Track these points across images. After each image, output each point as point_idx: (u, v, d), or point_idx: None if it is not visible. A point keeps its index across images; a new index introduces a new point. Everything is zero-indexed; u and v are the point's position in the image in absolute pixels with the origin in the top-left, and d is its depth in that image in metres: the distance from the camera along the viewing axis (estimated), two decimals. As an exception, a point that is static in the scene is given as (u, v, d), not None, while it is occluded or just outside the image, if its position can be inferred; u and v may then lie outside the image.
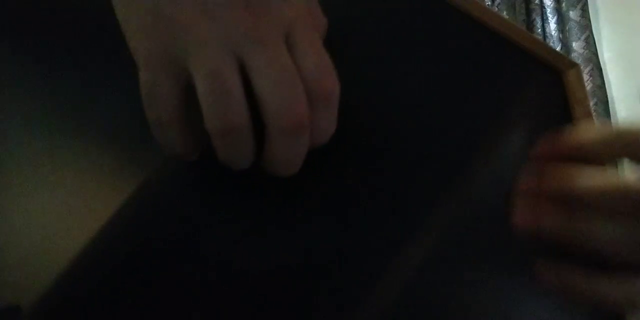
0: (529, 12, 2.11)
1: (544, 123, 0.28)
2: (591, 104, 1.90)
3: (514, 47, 0.28)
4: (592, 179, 0.23)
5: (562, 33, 2.01)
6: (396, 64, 0.29)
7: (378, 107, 0.28)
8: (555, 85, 0.28)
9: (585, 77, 1.93)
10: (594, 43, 1.96)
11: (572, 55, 1.97)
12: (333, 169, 0.27)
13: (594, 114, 1.89)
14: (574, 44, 1.97)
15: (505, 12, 2.13)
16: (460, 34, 0.29)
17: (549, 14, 2.05)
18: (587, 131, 0.24)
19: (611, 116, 1.90)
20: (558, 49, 2.01)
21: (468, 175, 0.26)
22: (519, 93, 0.28)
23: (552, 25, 2.03)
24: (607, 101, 1.91)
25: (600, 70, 1.93)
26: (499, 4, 2.14)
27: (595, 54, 1.94)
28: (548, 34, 2.04)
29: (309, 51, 0.24)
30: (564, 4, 2.02)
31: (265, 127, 0.24)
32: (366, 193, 0.26)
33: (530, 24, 2.10)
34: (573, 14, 1.99)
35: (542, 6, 2.08)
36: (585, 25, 1.97)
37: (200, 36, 0.23)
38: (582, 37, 1.96)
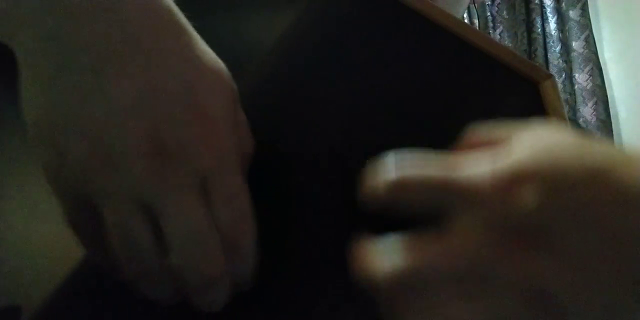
0: (528, 11, 2.11)
1: None
2: (591, 103, 1.90)
3: (489, 59, 0.29)
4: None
5: (562, 32, 2.01)
6: (368, 79, 0.29)
7: (352, 120, 0.29)
8: (531, 97, 0.29)
9: (585, 76, 1.93)
10: (594, 42, 1.95)
11: (572, 54, 1.97)
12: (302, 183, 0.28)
13: (593, 113, 1.89)
14: (573, 44, 1.97)
15: (505, 12, 2.13)
16: (435, 48, 0.30)
17: (548, 14, 2.05)
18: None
19: (611, 116, 1.90)
20: (558, 48, 2.01)
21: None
22: (495, 105, 0.29)
23: (552, 24, 2.03)
24: (607, 101, 1.91)
25: (600, 69, 1.93)
26: (498, 3, 2.14)
27: (595, 53, 1.94)
28: (548, 34, 2.04)
29: (225, 201, 0.23)
30: (563, 4, 2.01)
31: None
32: (345, 211, 0.27)
33: (530, 24, 2.10)
34: (573, 14, 1.99)
35: (542, 6, 2.07)
36: (585, 24, 1.96)
37: (104, 188, 0.22)
38: (582, 37, 1.96)
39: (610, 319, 0.20)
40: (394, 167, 0.23)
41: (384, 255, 0.22)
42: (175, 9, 0.25)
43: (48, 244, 0.28)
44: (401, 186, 0.23)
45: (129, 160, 0.21)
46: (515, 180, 0.21)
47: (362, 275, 0.23)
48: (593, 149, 0.22)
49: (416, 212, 0.23)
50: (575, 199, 0.20)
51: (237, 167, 0.24)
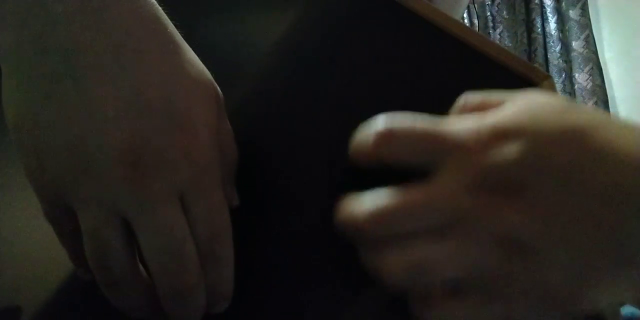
0: (528, 11, 2.11)
1: None
2: (591, 103, 1.90)
3: (487, 60, 0.29)
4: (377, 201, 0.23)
5: (562, 32, 2.01)
6: (367, 80, 0.29)
7: (350, 121, 0.29)
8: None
9: (585, 76, 1.93)
10: (594, 42, 1.96)
11: (572, 54, 1.97)
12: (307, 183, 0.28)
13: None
14: (573, 43, 1.97)
15: (505, 12, 2.13)
16: (433, 49, 0.30)
17: (548, 14, 2.05)
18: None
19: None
20: (558, 48, 2.01)
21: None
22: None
23: (552, 24, 2.03)
24: (607, 101, 1.91)
25: (600, 69, 1.93)
26: (498, 3, 2.15)
27: (595, 53, 1.94)
28: (548, 33, 2.05)
29: (203, 215, 0.23)
30: (563, 4, 2.02)
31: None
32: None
33: (530, 24, 2.10)
34: (573, 13, 1.99)
35: (542, 5, 2.08)
36: (585, 24, 1.97)
37: (81, 195, 0.22)
38: (582, 37, 1.96)
39: (578, 269, 0.21)
40: (384, 122, 0.24)
41: (367, 200, 0.23)
42: (163, 17, 0.24)
43: (48, 243, 0.28)
44: (389, 137, 0.23)
45: (107, 169, 0.21)
46: (496, 135, 0.22)
47: (343, 218, 0.24)
48: (576, 111, 0.23)
49: (404, 168, 0.24)
50: (552, 156, 0.21)
51: (217, 181, 0.24)
